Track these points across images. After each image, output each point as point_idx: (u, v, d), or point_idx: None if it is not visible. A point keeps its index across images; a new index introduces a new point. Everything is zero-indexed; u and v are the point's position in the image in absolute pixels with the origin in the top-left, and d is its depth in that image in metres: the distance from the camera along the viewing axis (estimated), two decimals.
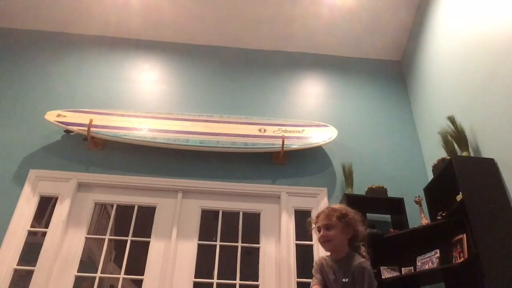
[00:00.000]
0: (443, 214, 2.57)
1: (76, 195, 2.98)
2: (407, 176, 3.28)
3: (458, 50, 2.99)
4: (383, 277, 2.63)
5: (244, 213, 3.07)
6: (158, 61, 3.86)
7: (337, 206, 1.86)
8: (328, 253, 1.94)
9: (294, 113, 3.58)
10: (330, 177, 3.24)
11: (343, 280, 1.69)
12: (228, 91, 3.69)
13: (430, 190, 2.80)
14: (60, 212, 2.85)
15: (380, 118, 3.66)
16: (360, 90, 3.83)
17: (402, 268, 2.67)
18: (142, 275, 2.74)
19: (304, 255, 2.92)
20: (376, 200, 2.94)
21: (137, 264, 2.86)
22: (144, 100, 3.54)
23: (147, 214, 3.01)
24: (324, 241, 1.77)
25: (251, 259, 2.97)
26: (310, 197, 3.12)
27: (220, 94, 3.66)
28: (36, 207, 2.89)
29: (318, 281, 1.79)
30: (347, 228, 1.76)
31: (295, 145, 3.20)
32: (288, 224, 2.98)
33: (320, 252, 2.86)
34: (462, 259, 2.32)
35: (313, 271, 1.86)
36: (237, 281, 2.80)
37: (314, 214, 2.06)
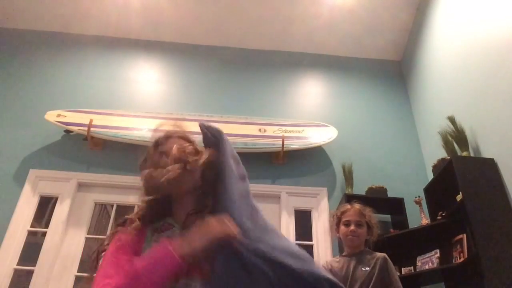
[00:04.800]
0: (443, 214, 2.57)
1: (76, 195, 2.98)
2: (407, 176, 3.27)
3: (458, 50, 2.99)
4: None
5: None
6: (158, 61, 3.86)
7: (365, 206, 2.06)
8: (331, 257, 2.09)
9: (294, 113, 3.58)
10: (330, 177, 3.24)
11: (363, 269, 1.86)
12: (228, 91, 3.69)
13: (430, 190, 2.80)
14: (60, 212, 2.85)
15: (380, 118, 3.65)
16: (360, 90, 3.83)
17: (402, 268, 2.67)
18: None
19: None
20: (376, 200, 2.93)
21: None
22: (144, 100, 3.54)
23: None
24: (353, 236, 1.95)
25: None
26: (310, 197, 3.12)
27: (220, 94, 3.66)
28: (36, 207, 2.89)
29: None
30: (371, 230, 2.00)
31: (295, 145, 3.20)
32: (288, 224, 2.98)
33: (320, 252, 2.87)
34: (462, 259, 2.32)
35: None
36: None
37: (339, 208, 2.20)
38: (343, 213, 2.02)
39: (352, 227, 1.95)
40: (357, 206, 2.03)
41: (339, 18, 3.81)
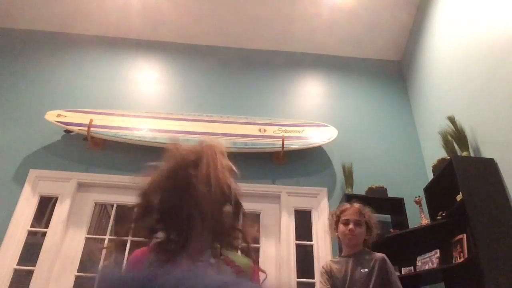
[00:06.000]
0: (443, 214, 2.57)
1: (76, 195, 2.98)
2: (407, 176, 3.27)
3: (458, 50, 2.99)
4: None
5: (244, 213, 3.06)
6: (158, 61, 3.86)
7: (364, 206, 2.03)
8: (331, 257, 2.06)
9: (294, 113, 3.58)
10: (330, 177, 3.24)
11: (362, 270, 1.84)
12: (228, 91, 3.69)
13: (430, 190, 2.80)
14: (60, 212, 2.85)
15: (380, 118, 3.65)
16: (360, 90, 3.83)
17: (402, 268, 2.67)
18: None
19: (304, 255, 2.92)
20: (376, 200, 2.93)
21: None
22: (144, 100, 3.54)
23: None
24: (351, 235, 1.92)
25: None
26: (310, 197, 3.12)
27: (220, 94, 3.66)
28: (36, 207, 2.89)
29: (328, 283, 1.87)
30: (370, 230, 1.97)
31: (295, 145, 3.20)
32: (288, 224, 2.98)
33: (320, 253, 2.87)
34: (462, 259, 2.32)
35: (321, 276, 1.93)
36: None
37: (338, 207, 2.17)
38: (342, 212, 2.00)
39: (350, 226, 1.93)
40: (356, 205, 2.01)
41: (339, 18, 3.81)
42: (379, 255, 1.90)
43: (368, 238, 1.97)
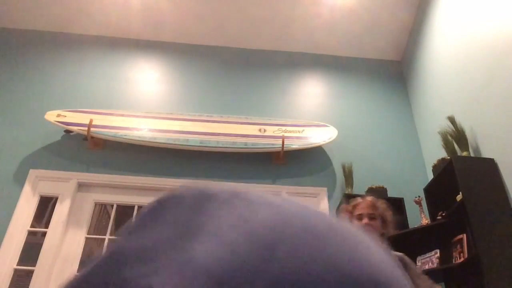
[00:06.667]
0: (443, 214, 2.57)
1: (76, 195, 2.98)
2: (407, 176, 3.28)
3: (458, 50, 2.99)
4: None
5: None
6: (158, 61, 3.86)
7: (378, 199, 1.91)
8: None
9: (294, 113, 3.58)
10: (330, 177, 3.24)
11: None
12: (228, 91, 3.69)
13: (430, 190, 2.80)
14: (60, 212, 2.85)
15: (380, 118, 3.66)
16: (360, 90, 3.83)
17: None
18: None
19: None
20: None
21: None
22: (144, 100, 3.54)
23: None
24: (367, 230, 1.77)
25: None
26: (310, 197, 3.12)
27: (220, 94, 3.66)
28: (36, 207, 2.89)
29: None
30: (385, 223, 1.85)
31: (295, 145, 3.20)
32: None
33: None
34: (462, 259, 2.32)
35: None
36: None
37: (350, 202, 2.01)
38: (354, 206, 1.89)
39: (365, 220, 1.81)
40: (369, 198, 1.91)
41: (339, 18, 3.81)
42: (397, 254, 1.79)
43: (384, 233, 1.85)
